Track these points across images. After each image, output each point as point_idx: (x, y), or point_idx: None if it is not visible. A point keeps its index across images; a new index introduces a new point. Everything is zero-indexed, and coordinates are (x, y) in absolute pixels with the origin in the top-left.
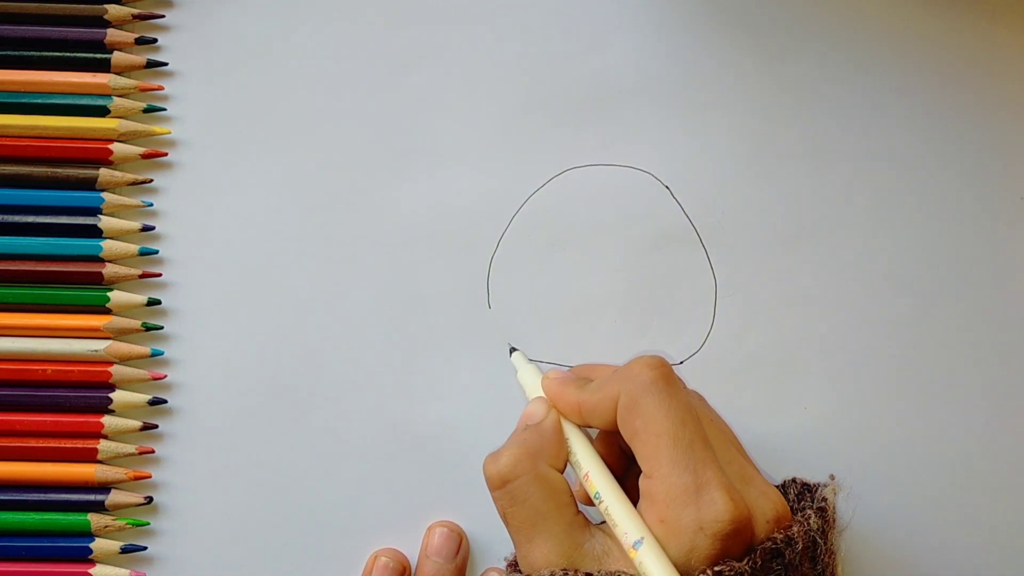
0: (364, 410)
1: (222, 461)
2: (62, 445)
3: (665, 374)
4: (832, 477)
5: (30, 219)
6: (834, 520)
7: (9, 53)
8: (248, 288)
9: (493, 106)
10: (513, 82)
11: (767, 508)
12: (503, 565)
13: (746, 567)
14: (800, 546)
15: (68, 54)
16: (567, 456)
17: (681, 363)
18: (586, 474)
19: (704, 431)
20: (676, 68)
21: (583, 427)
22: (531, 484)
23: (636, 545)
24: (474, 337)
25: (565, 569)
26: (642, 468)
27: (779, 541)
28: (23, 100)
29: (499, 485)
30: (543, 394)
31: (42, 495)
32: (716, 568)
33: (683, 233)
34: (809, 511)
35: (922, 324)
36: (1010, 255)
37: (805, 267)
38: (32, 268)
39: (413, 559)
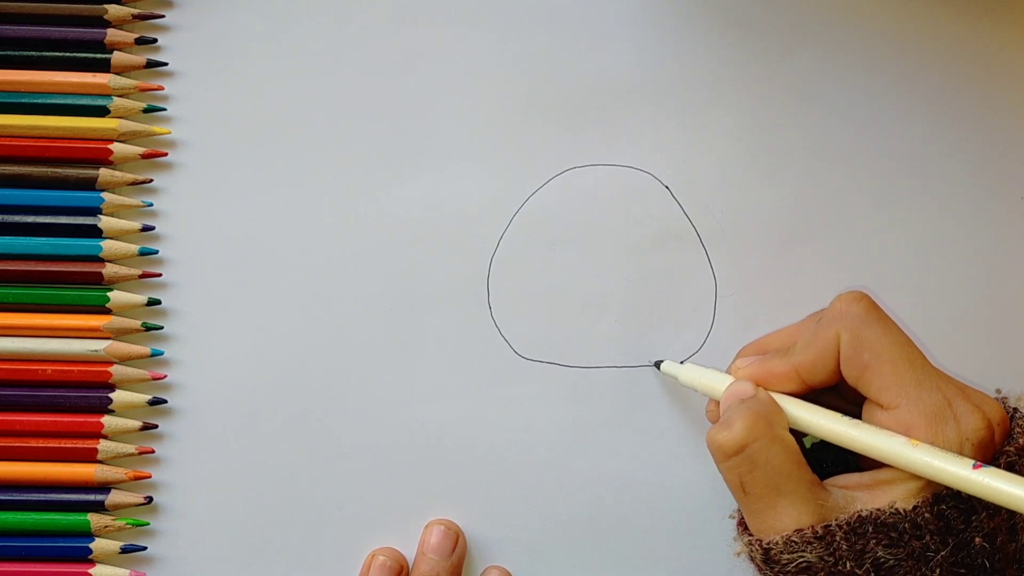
0: (363, 409)
1: (222, 461)
2: (62, 445)
3: (873, 304)
4: (998, 391)
5: (30, 219)
6: None
7: (9, 53)
8: (248, 288)
9: (493, 106)
10: (513, 82)
11: (995, 411)
12: (506, 564)
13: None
14: None
15: (68, 54)
16: (788, 424)
17: (681, 363)
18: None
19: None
20: (676, 68)
21: (798, 394)
22: (771, 445)
23: (976, 468)
24: (474, 337)
25: (815, 527)
26: (880, 400)
27: (1012, 454)
28: (23, 100)
29: (736, 451)
30: (734, 380)
31: (42, 495)
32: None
33: (683, 233)
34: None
35: (922, 324)
36: (1010, 255)
37: (805, 267)
38: (32, 268)
39: (411, 558)
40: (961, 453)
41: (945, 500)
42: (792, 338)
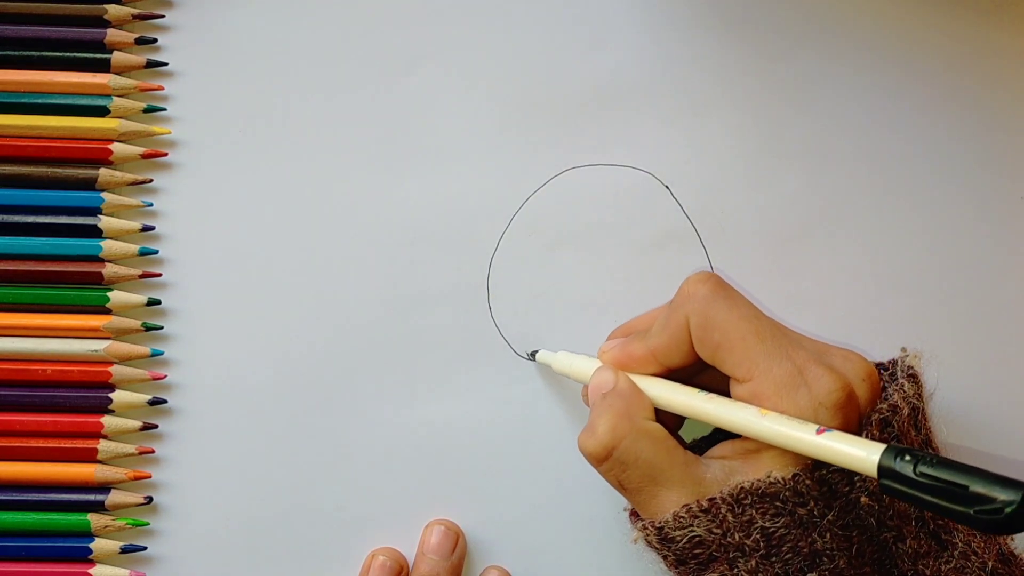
0: (363, 409)
1: (222, 461)
2: (62, 445)
3: (719, 282)
4: (904, 349)
5: (30, 219)
6: (922, 385)
7: (9, 53)
8: (248, 288)
9: (493, 106)
10: (513, 82)
11: (858, 369)
12: (506, 564)
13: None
14: (905, 412)
15: (68, 54)
16: (652, 406)
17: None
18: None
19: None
20: (676, 68)
21: (656, 375)
22: (636, 442)
23: (819, 433)
24: (474, 337)
25: (700, 501)
26: (735, 375)
27: (885, 411)
28: (23, 100)
29: (605, 456)
30: (599, 365)
31: (42, 495)
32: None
33: (683, 233)
34: (902, 379)
35: (922, 324)
36: (1010, 255)
37: (805, 267)
38: (32, 268)
39: (411, 558)
40: (817, 418)
41: (826, 464)
42: (654, 320)
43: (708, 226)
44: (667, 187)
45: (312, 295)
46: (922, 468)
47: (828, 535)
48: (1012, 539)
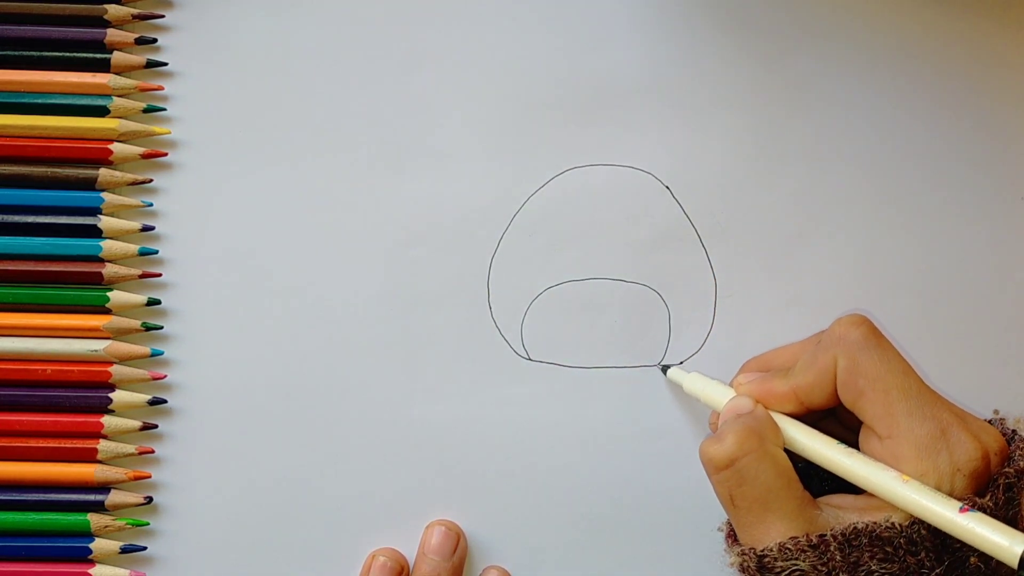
0: (363, 410)
1: (222, 461)
2: (62, 445)
3: (873, 328)
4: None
5: (30, 219)
6: None
7: (9, 53)
8: (248, 288)
9: (493, 106)
10: (514, 82)
11: (992, 442)
12: (506, 565)
13: (989, 503)
14: None
15: (68, 54)
16: (783, 442)
17: (681, 363)
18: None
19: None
20: (676, 68)
21: (797, 415)
22: (760, 461)
23: (962, 512)
24: (474, 337)
25: (809, 535)
26: (876, 429)
27: (1012, 476)
28: (23, 100)
29: (726, 465)
30: (735, 395)
31: (42, 495)
32: (975, 506)
33: (683, 233)
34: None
35: (922, 324)
36: (1010, 255)
37: (805, 267)
38: (32, 268)
39: (412, 559)
40: (953, 484)
41: None
42: (795, 357)
43: (708, 226)
44: (667, 187)
45: (312, 295)
46: None
47: None
48: None
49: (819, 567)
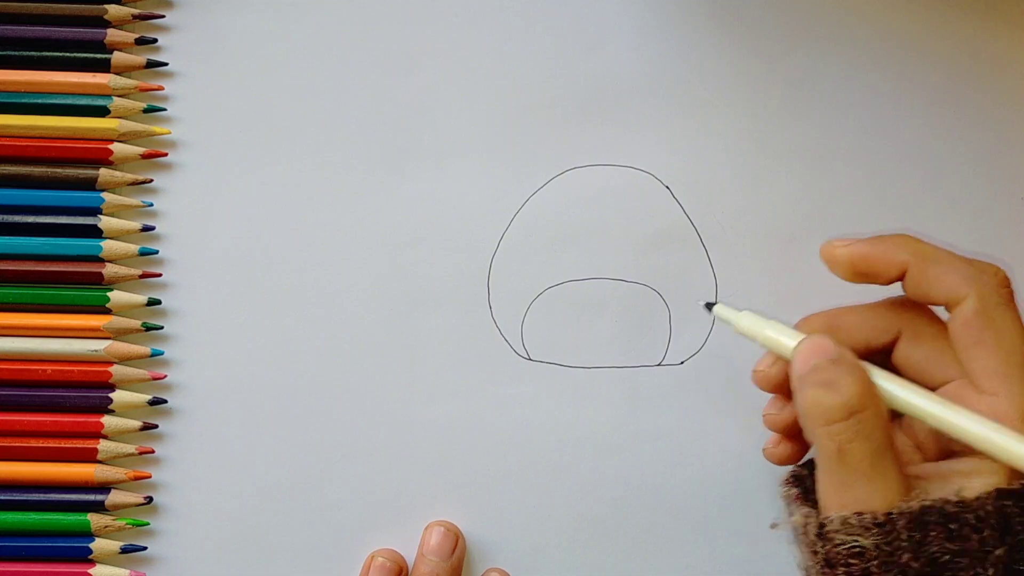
0: (363, 410)
1: (222, 461)
2: (62, 445)
3: (1013, 290)
4: None
5: (30, 219)
6: None
7: (9, 53)
8: (248, 288)
9: (494, 106)
10: (513, 81)
11: None
12: (506, 566)
13: None
14: None
15: (68, 54)
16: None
17: (681, 363)
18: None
19: None
20: (676, 68)
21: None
22: (878, 417)
23: None
24: (474, 337)
25: (875, 513)
26: (981, 383)
27: None
28: (23, 100)
29: (845, 415)
30: (803, 336)
31: (42, 495)
32: None
33: (683, 233)
34: None
35: None
36: (1010, 255)
37: (806, 267)
38: (32, 268)
39: (411, 559)
40: None
41: (1009, 496)
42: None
43: (708, 226)
44: (667, 187)
45: (312, 295)
46: None
47: (992, 571)
48: None
49: (883, 546)
